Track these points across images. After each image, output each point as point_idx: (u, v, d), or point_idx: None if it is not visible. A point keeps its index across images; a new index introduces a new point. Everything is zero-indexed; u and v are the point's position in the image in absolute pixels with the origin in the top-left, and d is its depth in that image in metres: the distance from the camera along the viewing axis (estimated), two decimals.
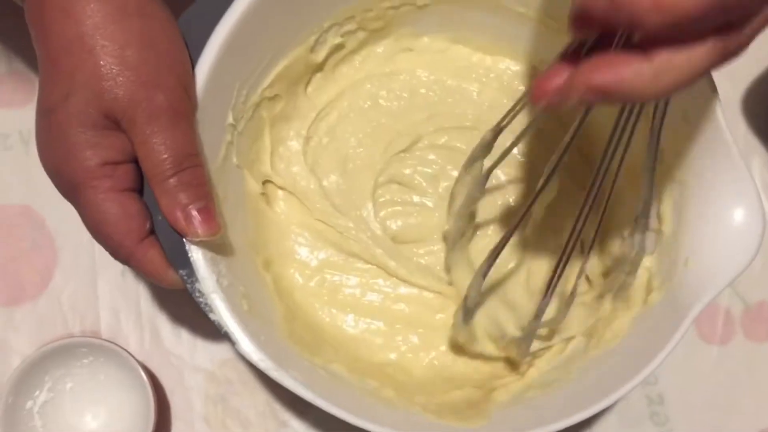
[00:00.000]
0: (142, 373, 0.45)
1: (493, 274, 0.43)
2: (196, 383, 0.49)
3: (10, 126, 0.51)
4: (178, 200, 0.32)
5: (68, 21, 0.31)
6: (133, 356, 0.45)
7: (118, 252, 0.33)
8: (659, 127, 0.37)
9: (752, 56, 0.54)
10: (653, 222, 0.41)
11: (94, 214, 0.32)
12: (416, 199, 0.48)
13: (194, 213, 0.32)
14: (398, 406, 0.39)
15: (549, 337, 0.44)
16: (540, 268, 0.47)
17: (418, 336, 0.46)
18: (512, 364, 0.45)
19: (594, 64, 0.27)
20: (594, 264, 0.46)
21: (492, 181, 0.46)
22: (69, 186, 0.32)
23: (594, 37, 0.28)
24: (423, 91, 0.48)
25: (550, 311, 0.41)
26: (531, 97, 0.30)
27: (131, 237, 0.33)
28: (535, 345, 0.43)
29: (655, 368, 0.37)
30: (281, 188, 0.46)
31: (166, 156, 0.32)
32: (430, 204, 0.48)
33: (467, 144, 0.47)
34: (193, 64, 0.35)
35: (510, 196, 0.48)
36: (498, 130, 0.40)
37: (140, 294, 0.50)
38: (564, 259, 0.39)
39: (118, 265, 0.50)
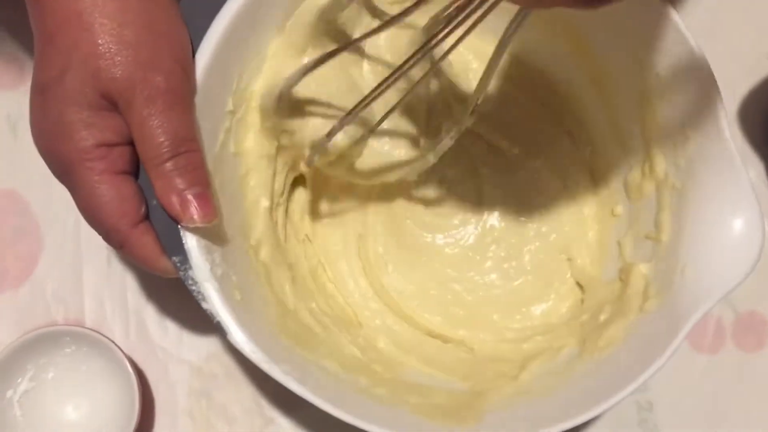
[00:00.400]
0: (128, 365, 0.44)
1: None
2: (181, 377, 0.48)
3: None
4: (174, 185, 0.31)
5: None
6: (118, 347, 0.44)
7: (110, 236, 0.32)
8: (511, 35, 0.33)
9: (748, 67, 0.55)
10: (651, 231, 0.41)
11: (87, 196, 0.31)
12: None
13: (190, 198, 0.32)
14: (389, 405, 0.38)
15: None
16: None
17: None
18: (506, 368, 0.44)
19: None
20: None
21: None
22: (62, 167, 0.31)
23: None
24: None
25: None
26: None
27: (125, 221, 0.32)
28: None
29: (648, 378, 0.36)
30: None
31: (162, 139, 0.31)
32: None
33: None
34: (194, 47, 0.34)
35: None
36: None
37: (127, 283, 0.49)
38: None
39: (105, 253, 0.49)
